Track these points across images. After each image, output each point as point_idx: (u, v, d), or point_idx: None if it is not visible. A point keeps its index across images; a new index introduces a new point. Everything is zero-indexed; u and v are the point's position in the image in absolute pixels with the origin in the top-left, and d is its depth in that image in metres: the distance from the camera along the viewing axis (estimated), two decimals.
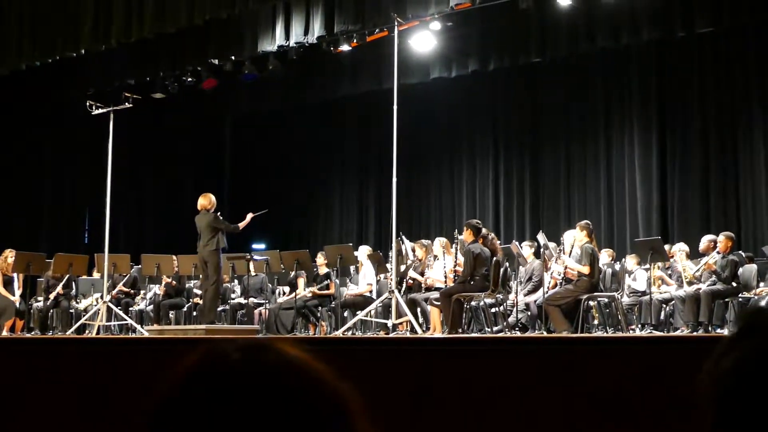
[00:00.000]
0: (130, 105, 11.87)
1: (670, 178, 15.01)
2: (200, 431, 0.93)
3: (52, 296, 12.74)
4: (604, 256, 11.82)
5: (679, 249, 11.33)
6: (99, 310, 11.30)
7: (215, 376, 0.96)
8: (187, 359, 1.00)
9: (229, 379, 0.96)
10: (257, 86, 16.61)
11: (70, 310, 13.11)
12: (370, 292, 12.01)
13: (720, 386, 0.96)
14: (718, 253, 10.50)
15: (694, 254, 11.44)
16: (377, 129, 15.43)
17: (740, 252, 10.92)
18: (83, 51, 13.04)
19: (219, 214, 10.87)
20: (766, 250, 11.14)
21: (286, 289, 13.11)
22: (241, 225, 11.05)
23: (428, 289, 11.09)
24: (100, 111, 11.79)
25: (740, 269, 10.54)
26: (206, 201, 10.92)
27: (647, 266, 11.06)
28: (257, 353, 0.99)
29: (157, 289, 13.32)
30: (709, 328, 9.89)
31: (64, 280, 12.84)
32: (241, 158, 19.68)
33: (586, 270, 9.89)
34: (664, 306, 10.68)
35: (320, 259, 12.51)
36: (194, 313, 12.33)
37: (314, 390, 0.97)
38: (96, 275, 13.25)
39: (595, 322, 11.01)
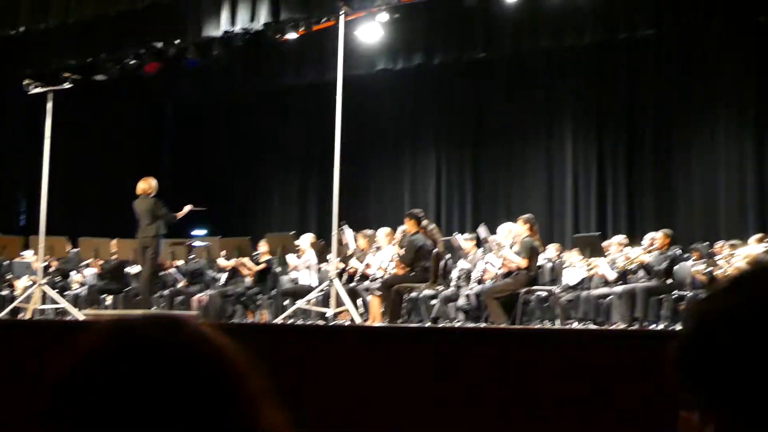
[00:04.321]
0: (70, 85, 11.63)
1: (610, 174, 15.27)
2: (109, 407, 0.92)
3: None
4: (551, 251, 11.94)
5: (617, 241, 11.49)
6: (33, 293, 11.09)
7: (125, 351, 0.96)
8: (91, 335, 0.99)
9: (140, 354, 0.95)
10: (200, 72, 16.46)
11: (3, 293, 12.87)
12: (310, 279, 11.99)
13: (705, 338, 0.98)
14: (657, 249, 10.70)
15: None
16: (321, 119, 15.36)
17: (677, 249, 11.11)
18: (22, 29, 12.77)
19: (159, 199, 10.74)
20: (700, 247, 11.34)
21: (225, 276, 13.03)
22: (179, 215, 10.94)
23: (367, 278, 11.10)
24: (38, 90, 11.53)
25: (675, 266, 10.75)
26: (146, 185, 10.78)
27: (586, 261, 11.22)
28: (167, 329, 0.99)
29: (90, 273, 13.15)
30: (644, 324, 10.06)
31: None
32: (183, 144, 19.48)
33: (524, 263, 9.96)
34: (602, 301, 10.82)
35: (262, 247, 12.45)
36: (137, 298, 12.17)
37: (223, 366, 0.98)
38: (31, 258, 13.02)
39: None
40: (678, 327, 9.45)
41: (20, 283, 13.14)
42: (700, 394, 0.98)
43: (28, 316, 10.87)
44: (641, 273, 10.71)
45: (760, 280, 1.00)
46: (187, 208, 11.04)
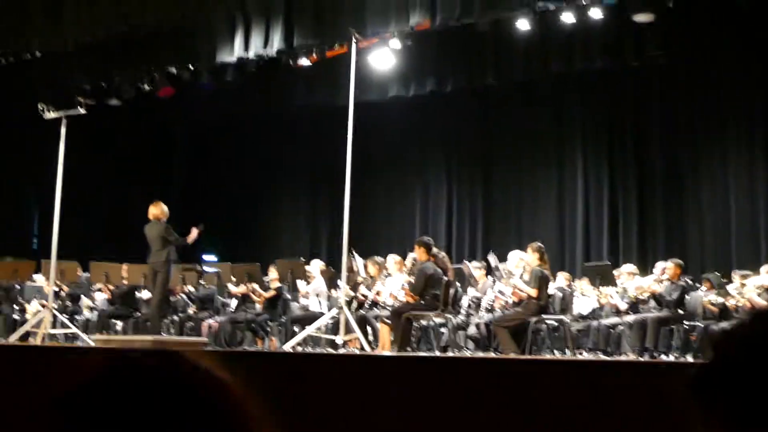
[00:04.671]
0: (84, 111, 11.71)
1: (621, 202, 15.26)
2: None
3: None
4: (561, 280, 11.91)
5: (627, 271, 11.45)
6: (43, 317, 11.11)
7: (123, 383, 0.96)
8: (90, 365, 1.00)
9: (137, 387, 0.96)
10: (213, 96, 16.51)
11: (14, 317, 12.90)
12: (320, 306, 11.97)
13: (726, 366, 1.01)
14: (668, 280, 10.67)
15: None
16: (332, 144, 15.41)
17: (687, 279, 11.06)
18: (37, 53, 12.86)
19: (169, 225, 10.76)
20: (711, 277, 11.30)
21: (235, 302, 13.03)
22: (189, 239, 10.94)
23: (377, 305, 11.07)
24: (53, 115, 11.62)
25: (687, 296, 10.70)
26: (158, 210, 10.80)
27: (597, 290, 11.20)
28: (165, 362, 0.99)
29: (101, 298, 13.16)
30: (655, 354, 10.00)
31: None
32: (195, 168, 19.55)
33: (533, 292, 9.94)
34: (612, 331, 10.77)
35: (272, 273, 12.45)
36: (148, 323, 12.17)
37: (220, 400, 0.98)
38: (42, 281, 13.05)
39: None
40: (689, 358, 9.40)
41: (31, 307, 13.17)
42: (718, 422, 0.99)
43: (38, 340, 10.89)
44: (652, 303, 10.67)
45: None
46: (195, 231, 11.04)
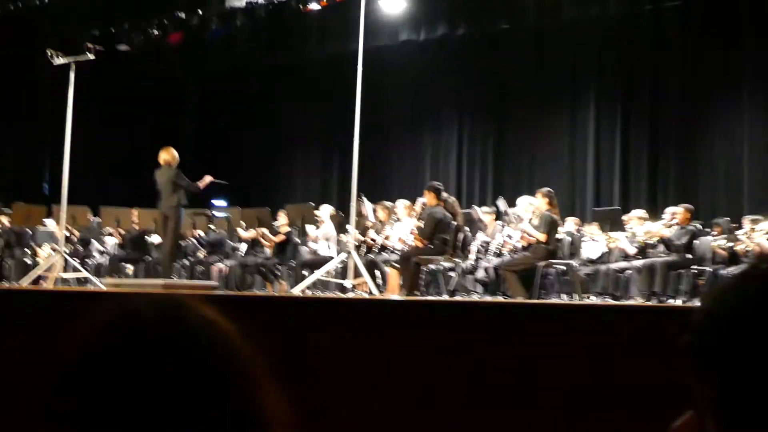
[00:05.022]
0: (93, 56, 11.67)
1: (633, 148, 15.18)
2: (112, 388, 0.94)
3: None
4: (570, 225, 11.91)
5: (636, 215, 11.43)
6: (55, 261, 11.19)
7: (128, 333, 0.97)
8: (96, 314, 1.01)
9: (141, 336, 0.97)
10: (223, 44, 16.44)
11: (26, 261, 13.00)
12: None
13: (717, 329, 1.00)
14: (677, 224, 10.67)
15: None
16: (344, 91, 15.35)
17: (697, 224, 11.04)
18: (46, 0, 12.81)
19: (180, 170, 10.77)
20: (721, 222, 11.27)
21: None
22: (201, 185, 10.94)
23: (385, 249, 11.12)
24: (62, 61, 11.58)
25: (696, 241, 10.70)
26: (169, 156, 10.79)
27: (606, 235, 11.21)
28: (169, 311, 1.00)
29: (112, 242, 13.25)
30: (663, 298, 10.03)
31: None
32: (205, 115, 19.52)
33: (542, 237, 9.96)
34: (621, 275, 10.79)
35: (282, 218, 12.49)
36: (159, 268, 12.26)
37: (223, 350, 0.99)
38: (54, 226, 13.13)
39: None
40: (697, 302, 9.42)
41: (43, 252, 13.26)
42: (708, 383, 0.99)
43: (50, 284, 10.98)
44: (661, 247, 10.67)
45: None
46: (208, 178, 11.04)
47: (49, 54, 11.68)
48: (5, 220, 12.91)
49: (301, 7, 14.03)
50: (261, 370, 1.02)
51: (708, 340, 1.00)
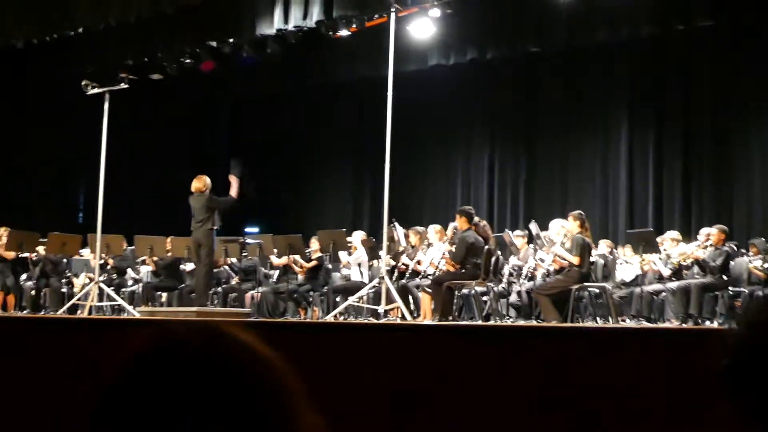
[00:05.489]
0: (127, 86, 11.82)
1: (666, 170, 15.08)
2: (152, 414, 0.94)
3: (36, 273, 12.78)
4: (603, 247, 11.85)
5: (670, 237, 11.36)
6: (90, 290, 11.29)
7: (168, 359, 0.98)
8: (135, 341, 1.02)
9: (182, 363, 0.97)
10: (255, 70, 16.56)
11: (62, 290, 13.12)
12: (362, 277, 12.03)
13: (753, 352, 0.99)
14: (712, 245, 10.57)
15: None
16: (374, 115, 15.39)
17: (732, 245, 10.94)
18: (80, 29, 12.98)
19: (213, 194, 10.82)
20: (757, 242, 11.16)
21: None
22: (233, 193, 10.93)
23: (418, 274, 11.09)
24: (96, 91, 11.74)
25: (732, 262, 10.59)
26: (200, 184, 10.86)
27: (640, 257, 11.13)
28: (209, 337, 1.01)
29: (146, 270, 13.34)
30: (699, 321, 9.92)
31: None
32: (238, 142, 19.65)
33: (575, 260, 9.91)
34: (655, 298, 10.70)
35: (314, 244, 12.51)
36: (192, 295, 12.33)
37: (262, 375, 0.99)
38: (89, 255, 13.25)
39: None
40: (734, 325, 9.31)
41: (78, 281, 13.37)
42: (746, 406, 0.98)
43: (85, 313, 11.07)
44: (696, 269, 10.58)
45: None
46: (233, 180, 11.01)
47: (84, 84, 11.85)
48: (41, 249, 13.05)
49: (331, 33, 14.09)
50: (300, 395, 1.03)
51: (746, 364, 0.98)
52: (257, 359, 1.01)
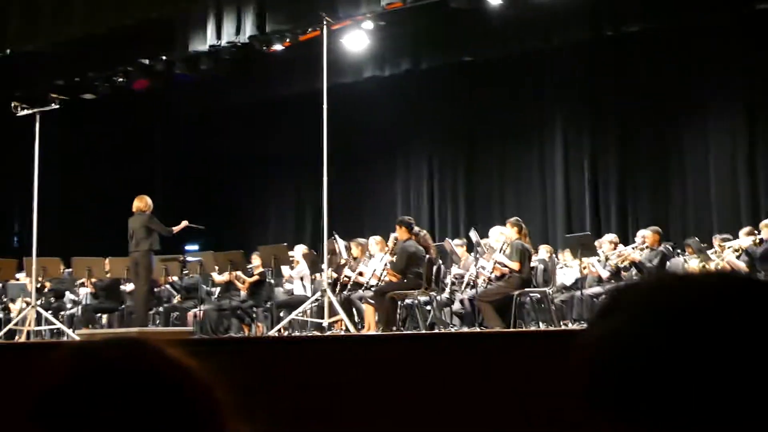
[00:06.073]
0: (57, 106, 11.66)
1: (602, 174, 15.29)
2: (72, 428, 0.93)
3: None
4: (543, 252, 11.97)
5: (608, 240, 11.52)
6: (27, 315, 11.09)
7: (87, 375, 0.97)
8: (55, 359, 1.00)
9: (102, 377, 0.96)
10: (189, 87, 16.45)
11: None
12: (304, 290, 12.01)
13: (584, 358, 0.96)
14: (647, 247, 10.76)
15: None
16: (312, 129, 15.34)
17: (668, 245, 11.14)
18: (8, 51, 12.78)
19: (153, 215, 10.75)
20: (692, 242, 11.37)
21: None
22: (176, 229, 10.94)
23: (360, 286, 11.10)
24: (26, 112, 11.56)
25: (668, 263, 10.79)
26: (142, 203, 10.78)
27: (579, 261, 11.26)
28: (129, 351, 1.00)
29: (85, 292, 13.15)
30: None
31: None
32: (174, 159, 19.47)
33: (515, 266, 9.99)
34: (596, 300, 10.83)
35: (255, 259, 12.45)
36: (133, 316, 12.17)
37: (185, 387, 0.99)
38: (25, 279, 13.02)
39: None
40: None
41: (15, 305, 13.12)
42: (614, 421, 0.91)
43: (23, 338, 10.87)
44: (634, 271, 10.75)
45: (623, 301, 0.95)
46: (184, 223, 11.05)
47: (13, 105, 11.66)
48: None
49: (264, 48, 14.07)
50: (226, 406, 1.02)
51: (619, 373, 0.91)
52: (179, 371, 1.00)
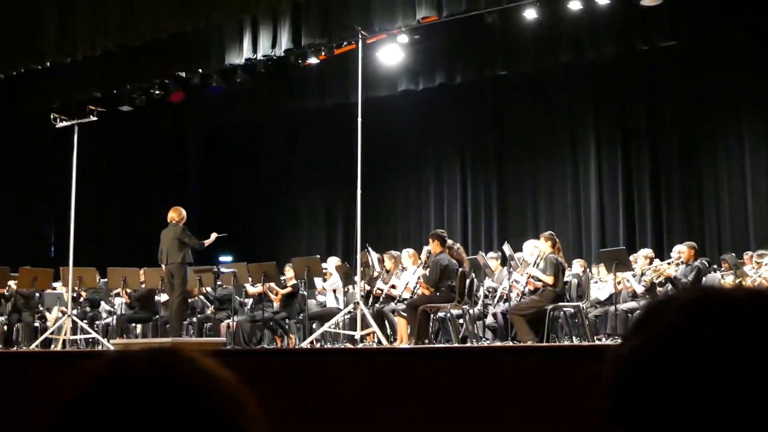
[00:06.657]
0: (95, 118, 11.80)
1: (636, 187, 15.22)
2: None
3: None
4: (576, 267, 11.91)
5: (643, 255, 11.44)
6: (63, 324, 11.20)
7: (122, 384, 0.98)
8: (91, 367, 1.01)
9: (135, 387, 0.97)
10: (224, 99, 16.57)
11: (35, 324, 12.99)
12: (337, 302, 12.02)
13: (615, 373, 0.96)
14: (683, 262, 10.67)
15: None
16: (345, 141, 15.44)
17: (704, 261, 11.04)
18: (48, 63, 12.95)
19: (186, 227, 10.83)
20: (728, 257, 11.28)
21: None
22: (206, 242, 11.01)
23: (393, 299, 11.09)
24: (65, 124, 11.72)
25: (704, 278, 10.69)
26: (176, 214, 10.86)
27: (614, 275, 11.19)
28: (164, 361, 1.01)
29: (120, 302, 13.26)
30: None
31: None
32: (208, 171, 19.62)
33: (549, 280, 9.95)
34: (630, 316, 10.75)
35: (288, 271, 12.49)
36: (167, 326, 12.25)
37: (217, 397, 0.99)
38: (62, 289, 13.15)
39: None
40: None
41: (51, 315, 13.26)
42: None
43: (59, 347, 10.98)
44: (669, 287, 10.66)
45: (658, 317, 0.96)
46: (214, 235, 11.12)
47: (53, 118, 11.82)
48: (13, 284, 12.94)
49: (300, 61, 14.16)
50: (257, 417, 1.02)
51: (644, 391, 0.92)
52: (212, 381, 1.01)
